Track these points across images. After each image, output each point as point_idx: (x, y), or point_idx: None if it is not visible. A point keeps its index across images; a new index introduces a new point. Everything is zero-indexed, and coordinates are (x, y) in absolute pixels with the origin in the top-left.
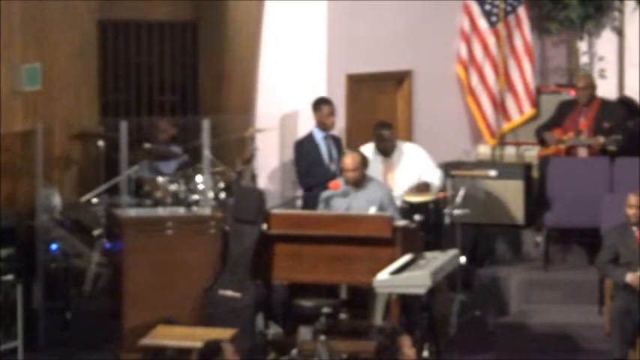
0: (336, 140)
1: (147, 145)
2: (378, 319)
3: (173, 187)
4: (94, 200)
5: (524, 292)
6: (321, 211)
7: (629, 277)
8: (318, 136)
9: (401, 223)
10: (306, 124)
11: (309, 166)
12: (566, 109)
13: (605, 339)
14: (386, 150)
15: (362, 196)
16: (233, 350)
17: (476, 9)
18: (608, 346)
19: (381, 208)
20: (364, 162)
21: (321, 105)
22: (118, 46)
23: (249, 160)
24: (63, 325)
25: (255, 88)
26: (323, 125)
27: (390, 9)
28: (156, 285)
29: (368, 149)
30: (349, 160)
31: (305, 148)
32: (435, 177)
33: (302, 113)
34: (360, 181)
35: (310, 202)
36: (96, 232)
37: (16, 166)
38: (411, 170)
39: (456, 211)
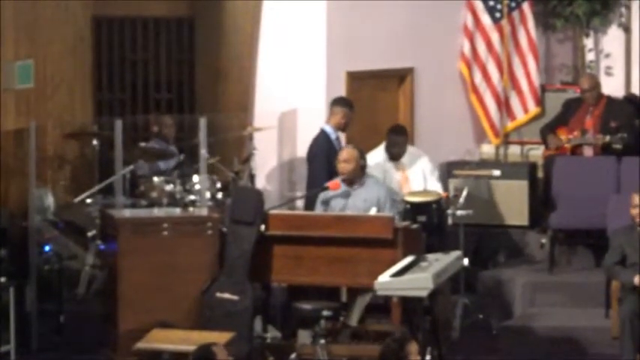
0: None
1: (142, 144)
2: (353, 321)
3: (169, 187)
4: (88, 200)
5: (528, 294)
6: (320, 212)
7: (637, 279)
8: (333, 136)
9: (401, 223)
10: (305, 123)
11: (331, 166)
12: (572, 108)
13: (612, 343)
14: (393, 155)
15: (359, 194)
16: (226, 354)
17: (479, 5)
18: (615, 350)
19: (378, 206)
20: (362, 159)
21: (351, 105)
22: (112, 43)
23: (247, 160)
24: (56, 328)
25: (253, 85)
26: (342, 126)
27: (392, 5)
28: (151, 287)
29: (379, 153)
30: (344, 151)
31: (324, 146)
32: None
33: (301, 111)
34: (355, 177)
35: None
36: (90, 233)
37: (9, 165)
38: (419, 177)
39: (459, 212)
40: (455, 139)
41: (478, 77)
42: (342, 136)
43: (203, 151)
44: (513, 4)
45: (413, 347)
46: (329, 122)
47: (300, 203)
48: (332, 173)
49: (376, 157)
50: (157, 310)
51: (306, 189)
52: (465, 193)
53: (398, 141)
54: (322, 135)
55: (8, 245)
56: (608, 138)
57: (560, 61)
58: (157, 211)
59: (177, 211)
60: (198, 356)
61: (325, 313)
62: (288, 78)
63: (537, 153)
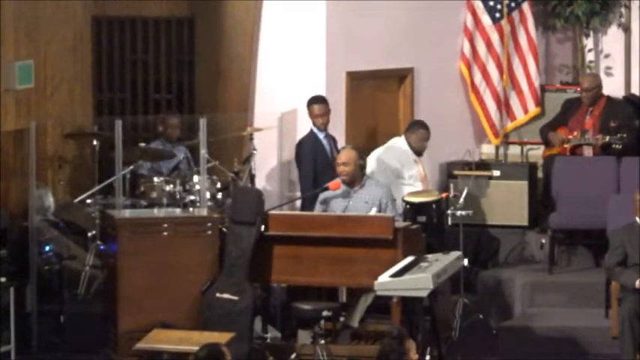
0: (333, 140)
1: (142, 145)
2: (355, 322)
3: (169, 187)
4: (88, 201)
5: (528, 294)
6: (320, 212)
7: (639, 283)
8: (320, 135)
9: (401, 223)
10: (306, 123)
11: (318, 167)
12: (571, 108)
13: (612, 343)
14: (421, 150)
15: (360, 196)
16: (230, 355)
17: (479, 5)
18: (615, 350)
19: (379, 207)
20: (361, 159)
21: (311, 104)
22: (112, 43)
23: (247, 160)
24: (56, 328)
25: (253, 86)
26: (318, 124)
27: (391, 4)
28: (151, 288)
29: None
30: (342, 154)
31: (310, 148)
32: None
33: (301, 112)
34: (354, 178)
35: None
36: (90, 234)
37: (9, 165)
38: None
39: (459, 212)
40: (455, 139)
41: (478, 77)
42: (342, 136)
43: (203, 151)
44: (513, 5)
45: (411, 344)
46: None
47: (300, 203)
48: (318, 172)
49: (396, 149)
50: (156, 310)
51: (301, 190)
52: (465, 193)
53: (428, 136)
54: (309, 134)
55: (8, 245)
56: (608, 138)
57: (560, 61)
58: (156, 212)
59: (177, 211)
60: (210, 357)
61: (325, 313)
62: (288, 78)
63: (537, 153)
